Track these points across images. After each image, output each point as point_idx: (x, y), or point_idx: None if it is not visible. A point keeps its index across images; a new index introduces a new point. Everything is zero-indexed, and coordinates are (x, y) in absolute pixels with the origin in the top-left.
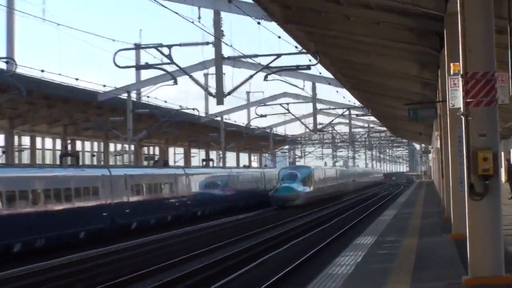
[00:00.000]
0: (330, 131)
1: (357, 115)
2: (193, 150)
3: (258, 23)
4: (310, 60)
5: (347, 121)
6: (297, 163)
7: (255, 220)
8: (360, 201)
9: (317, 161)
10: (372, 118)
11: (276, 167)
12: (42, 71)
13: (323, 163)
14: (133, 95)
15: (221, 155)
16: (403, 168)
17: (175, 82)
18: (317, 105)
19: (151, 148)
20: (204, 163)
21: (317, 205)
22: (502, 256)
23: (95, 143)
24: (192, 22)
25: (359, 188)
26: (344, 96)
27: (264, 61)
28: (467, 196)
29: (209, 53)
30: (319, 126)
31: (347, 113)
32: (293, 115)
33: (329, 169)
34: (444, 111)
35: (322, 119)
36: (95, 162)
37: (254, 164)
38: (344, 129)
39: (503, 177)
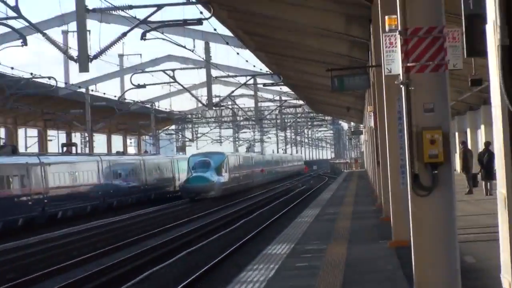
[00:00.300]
0: (230, 106)
1: (264, 84)
2: (50, 132)
3: None
4: (201, 13)
5: (251, 92)
6: (188, 148)
7: (135, 223)
8: (272, 197)
9: (213, 145)
10: (285, 89)
11: (159, 153)
12: None
13: (225, 148)
14: None
15: (87, 139)
16: (327, 154)
17: (24, 42)
18: (212, 72)
19: None
20: (65, 148)
21: (219, 202)
22: (458, 269)
23: None
24: None
25: (279, 178)
26: (247, 59)
27: (141, 14)
28: (410, 191)
29: (68, 4)
30: (215, 100)
31: (251, 82)
32: (180, 85)
33: (245, 156)
34: (379, 79)
35: (219, 90)
36: None
37: (131, 150)
38: (249, 103)
39: (457, 165)
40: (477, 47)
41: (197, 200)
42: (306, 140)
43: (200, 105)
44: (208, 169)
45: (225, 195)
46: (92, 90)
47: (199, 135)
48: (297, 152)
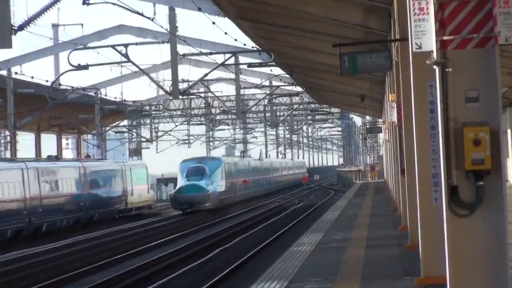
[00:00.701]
0: (203, 95)
1: (249, 65)
2: None
3: None
4: None
5: (232, 75)
6: (145, 151)
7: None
8: (258, 217)
9: (179, 148)
10: (278, 71)
11: (106, 157)
12: None
13: (195, 152)
14: None
15: (8, 138)
16: (333, 159)
17: None
18: (179, 48)
19: None
20: None
21: (193, 222)
22: None
23: None
24: None
25: (280, 189)
26: (226, 31)
27: None
28: (445, 209)
29: None
30: (182, 86)
31: (231, 61)
32: (135, 65)
33: (242, 161)
34: (405, 57)
35: (188, 72)
36: None
37: (68, 153)
38: (228, 90)
39: (510, 174)
40: None
41: (188, 212)
42: (305, 141)
43: (162, 93)
44: (202, 176)
45: (222, 206)
46: (15, 73)
47: (160, 133)
48: (298, 157)
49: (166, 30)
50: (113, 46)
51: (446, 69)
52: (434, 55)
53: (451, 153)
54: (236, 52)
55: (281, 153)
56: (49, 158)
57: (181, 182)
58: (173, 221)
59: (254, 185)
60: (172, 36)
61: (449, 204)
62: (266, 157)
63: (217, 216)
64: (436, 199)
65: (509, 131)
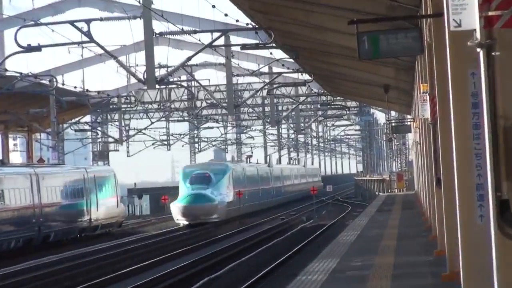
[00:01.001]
0: (185, 83)
1: (243, 47)
2: None
3: None
4: None
5: (222, 60)
6: (113, 154)
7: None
8: (255, 238)
9: (156, 151)
10: (279, 55)
11: (63, 162)
12: None
13: (176, 155)
14: None
15: None
16: (350, 165)
17: None
18: (155, 25)
19: None
20: None
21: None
22: None
23: None
24: None
25: (289, 201)
26: (214, 4)
27: None
28: (493, 229)
29: None
30: (159, 72)
31: (221, 42)
32: (101, 47)
33: (250, 168)
34: (440, 37)
35: (166, 55)
36: None
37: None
38: (217, 78)
39: None
40: None
41: (167, 232)
42: (314, 142)
43: (134, 81)
44: (208, 185)
45: (231, 218)
46: None
47: (132, 132)
48: (310, 163)
49: (139, 2)
50: (71, 23)
51: (493, 53)
52: (478, 34)
53: (501, 158)
54: (226, 30)
55: (293, 159)
56: None
57: (184, 191)
58: (149, 243)
59: (263, 195)
60: (146, 10)
61: (499, 222)
62: (276, 162)
63: (203, 237)
64: (481, 216)
65: None
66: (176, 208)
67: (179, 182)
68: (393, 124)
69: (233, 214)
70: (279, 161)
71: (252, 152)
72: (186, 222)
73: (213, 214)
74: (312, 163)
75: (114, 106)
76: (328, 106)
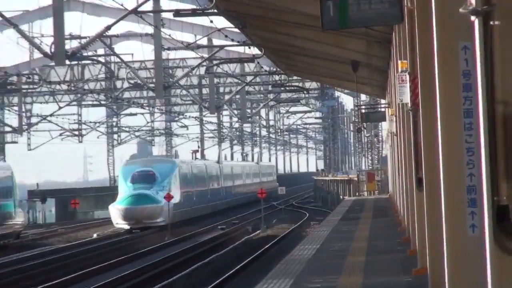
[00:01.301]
0: (102, 59)
1: (177, 13)
2: None
3: None
4: None
5: (149, 29)
6: (9, 146)
7: None
8: (185, 253)
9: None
10: (222, 23)
11: None
12: None
13: (88, 148)
14: None
15: None
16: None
17: None
18: None
19: None
20: None
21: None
22: None
23: None
24: None
25: (240, 203)
26: None
27: None
28: (489, 242)
29: None
30: (70, 45)
31: (148, 6)
32: None
33: (198, 164)
34: (424, 2)
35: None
36: None
37: None
38: (142, 52)
39: None
40: None
41: (77, 245)
42: (264, 133)
43: (39, 55)
44: (152, 184)
45: (179, 222)
46: None
47: (34, 119)
48: (266, 159)
49: None
50: None
51: (491, 22)
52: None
53: (499, 153)
54: None
55: (245, 154)
56: None
57: (125, 191)
58: (50, 259)
59: (212, 196)
60: None
61: (495, 234)
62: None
63: (124, 250)
64: (473, 226)
65: None
66: (115, 211)
67: (118, 181)
68: (363, 111)
69: (180, 217)
70: (243, 159)
71: (202, 148)
72: (127, 227)
73: (158, 217)
74: (270, 160)
75: (13, 86)
76: (282, 88)
